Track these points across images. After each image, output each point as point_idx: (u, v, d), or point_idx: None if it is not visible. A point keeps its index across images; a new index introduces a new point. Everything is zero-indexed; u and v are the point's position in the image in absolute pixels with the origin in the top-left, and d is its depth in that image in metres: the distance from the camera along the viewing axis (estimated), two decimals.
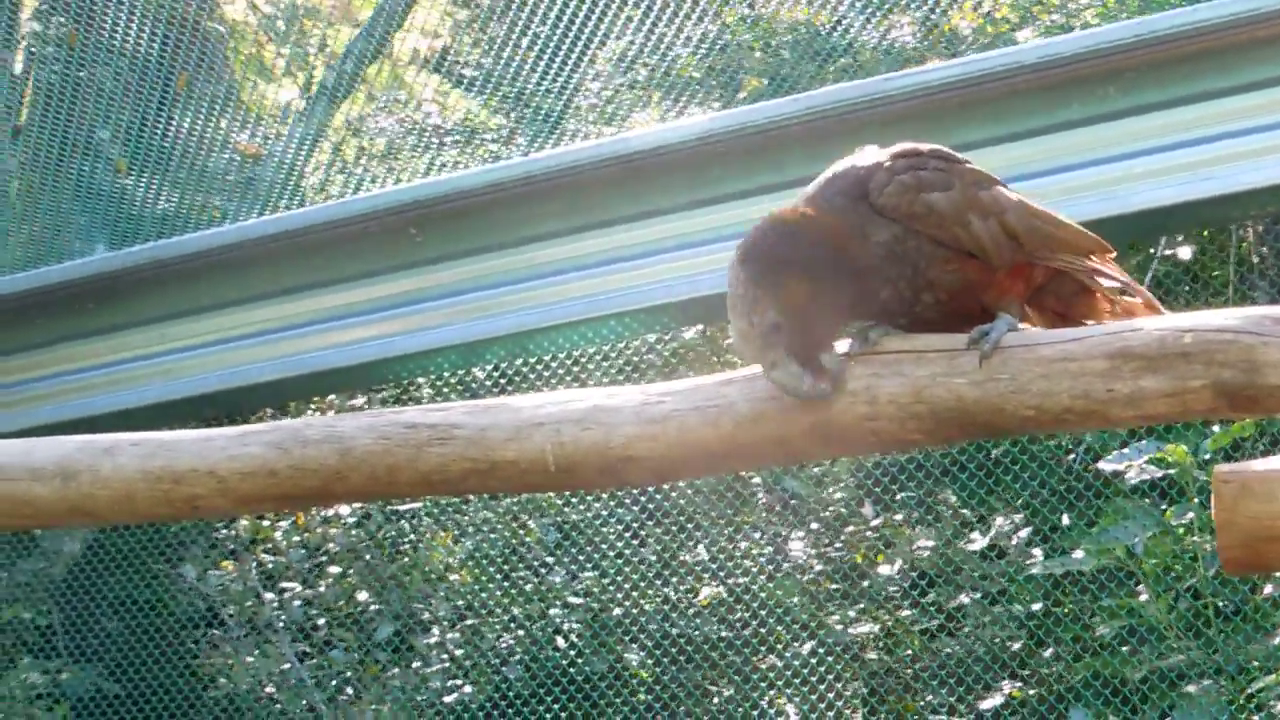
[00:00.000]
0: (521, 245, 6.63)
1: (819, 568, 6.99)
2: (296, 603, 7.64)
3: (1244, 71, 5.73)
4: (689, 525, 7.02)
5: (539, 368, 6.97)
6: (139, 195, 7.60)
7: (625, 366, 6.91)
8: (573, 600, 7.13)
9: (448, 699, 7.15)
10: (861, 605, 6.86)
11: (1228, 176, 5.74)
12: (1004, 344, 3.08)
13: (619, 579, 7.04)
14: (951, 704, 6.57)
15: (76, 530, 7.79)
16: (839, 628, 6.81)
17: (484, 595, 7.28)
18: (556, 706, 6.92)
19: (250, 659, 7.58)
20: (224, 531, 7.86)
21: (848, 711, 6.66)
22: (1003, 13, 7.33)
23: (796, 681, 6.71)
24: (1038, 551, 6.60)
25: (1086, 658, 6.34)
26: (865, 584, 6.88)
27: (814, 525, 7.04)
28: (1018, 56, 5.99)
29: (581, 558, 7.17)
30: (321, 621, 7.59)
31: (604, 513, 7.13)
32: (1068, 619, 6.53)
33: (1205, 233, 6.88)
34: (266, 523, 7.75)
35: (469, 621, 7.29)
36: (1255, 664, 6.05)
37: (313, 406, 7.56)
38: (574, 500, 7.17)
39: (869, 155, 3.26)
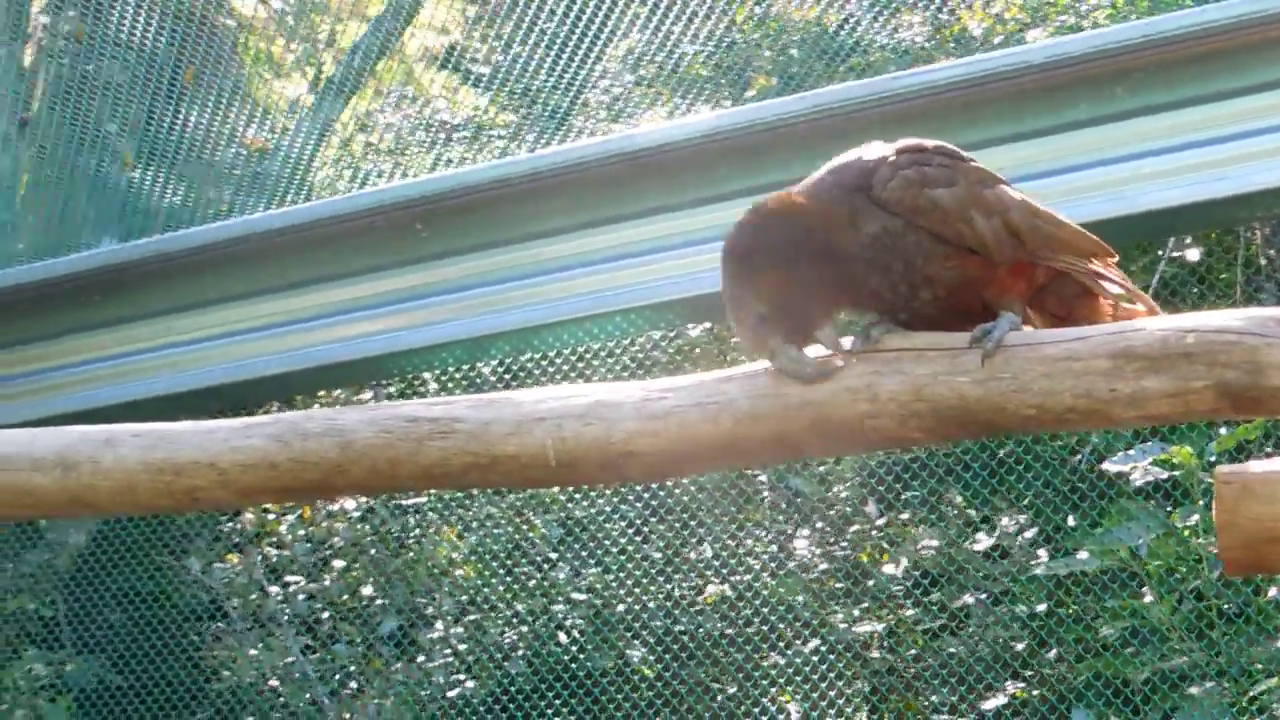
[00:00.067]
0: (527, 241, 6.63)
1: (823, 566, 6.98)
2: (301, 596, 7.64)
3: (1253, 72, 5.72)
4: (693, 523, 7.02)
5: (544, 364, 6.96)
6: (146, 188, 7.60)
7: (630, 363, 6.91)
8: (576, 596, 7.13)
9: (451, 694, 7.15)
10: (865, 604, 6.85)
11: (1236, 177, 5.72)
12: (1006, 343, 3.08)
13: (623, 576, 7.04)
14: (954, 704, 6.57)
15: (82, 522, 7.80)
16: (843, 626, 6.81)
17: (487, 590, 7.28)
18: (559, 702, 6.92)
19: (254, 652, 7.59)
20: (229, 525, 7.87)
21: (850, 710, 6.65)
22: (1012, 13, 7.32)
23: (799, 680, 6.71)
24: (1042, 552, 6.59)
25: (1089, 659, 6.33)
26: (869, 583, 6.87)
27: (819, 524, 7.04)
28: (1025, 56, 5.98)
29: (585, 554, 7.17)
30: (325, 615, 7.60)
31: (608, 509, 7.13)
32: (1071, 620, 6.52)
33: (1213, 234, 6.87)
34: (272, 516, 7.76)
35: (472, 617, 7.29)
36: (1258, 666, 6.04)
37: (319, 400, 7.56)
38: (578, 496, 7.17)
39: (875, 149, 3.27)
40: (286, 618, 7.61)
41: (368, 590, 7.57)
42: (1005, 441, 6.58)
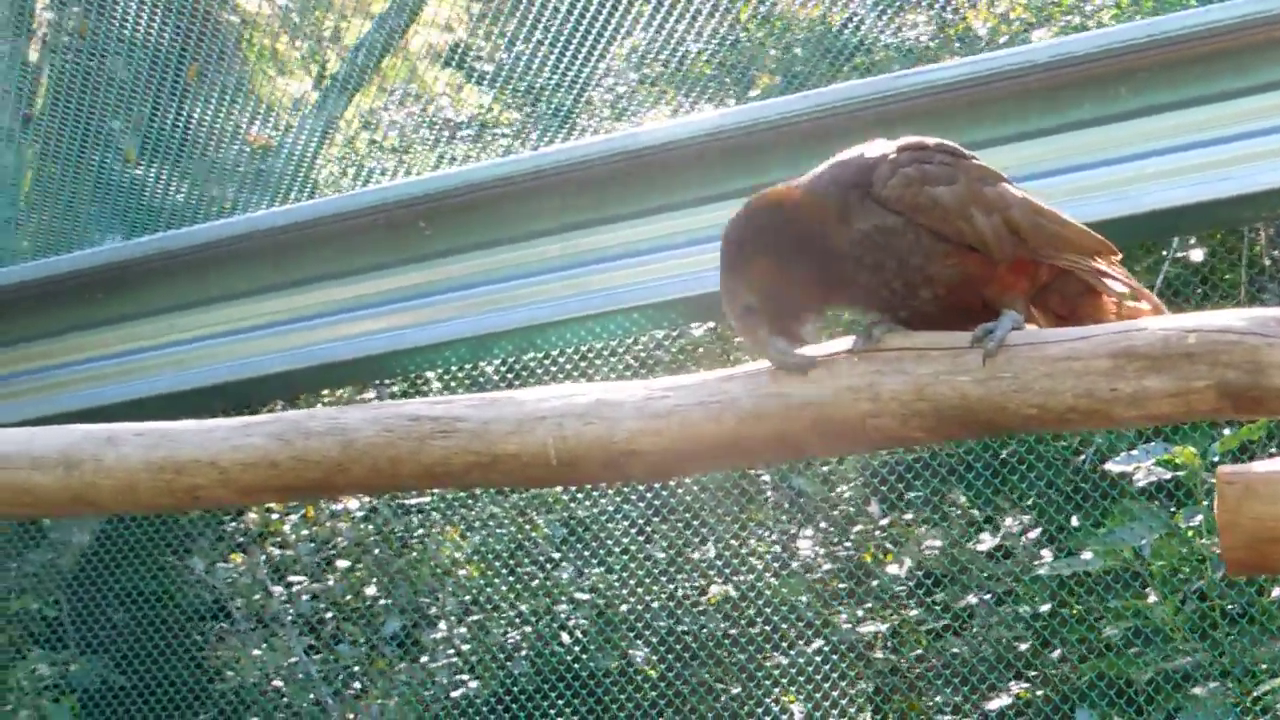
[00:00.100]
0: (531, 239, 6.62)
1: (827, 566, 6.98)
2: (304, 596, 7.64)
3: (1257, 72, 5.70)
4: (696, 523, 7.02)
5: (546, 362, 6.96)
6: (149, 185, 7.60)
7: (633, 362, 6.90)
8: (579, 597, 7.13)
9: (454, 694, 7.15)
10: (869, 605, 6.85)
11: (1241, 177, 5.71)
12: (1008, 342, 3.08)
13: (626, 576, 7.04)
14: (958, 704, 6.57)
15: (85, 521, 7.80)
16: (846, 627, 6.80)
17: (490, 591, 7.28)
18: (561, 703, 6.92)
19: (258, 652, 7.59)
20: (233, 524, 7.86)
21: (854, 711, 6.64)
22: (1017, 12, 7.31)
23: (803, 680, 6.70)
24: (1046, 552, 6.59)
25: (1093, 659, 6.33)
26: (873, 583, 6.87)
27: (822, 524, 7.03)
28: (1029, 55, 5.97)
29: (588, 554, 7.16)
30: (329, 615, 7.60)
31: (611, 509, 7.12)
32: (1075, 620, 6.52)
33: (1217, 235, 6.86)
34: (275, 516, 7.75)
35: (476, 617, 7.28)
36: (1262, 666, 6.04)
37: (323, 399, 7.56)
38: (581, 496, 7.17)
39: (877, 147, 3.27)
40: (290, 618, 7.61)
41: (371, 590, 7.56)
42: (1009, 441, 6.58)
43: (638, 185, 6.46)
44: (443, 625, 7.34)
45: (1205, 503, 5.99)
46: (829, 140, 5.85)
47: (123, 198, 7.58)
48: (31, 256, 7.48)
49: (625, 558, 7.05)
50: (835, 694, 6.62)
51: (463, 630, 7.26)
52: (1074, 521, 6.54)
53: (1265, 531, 2.97)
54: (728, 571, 6.99)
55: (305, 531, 7.71)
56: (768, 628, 6.86)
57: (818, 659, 6.71)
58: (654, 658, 6.96)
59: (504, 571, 7.27)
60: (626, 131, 6.73)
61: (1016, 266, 3.21)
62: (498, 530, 7.35)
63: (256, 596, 7.70)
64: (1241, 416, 3.23)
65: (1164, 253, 6.76)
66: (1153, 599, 6.24)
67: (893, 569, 6.84)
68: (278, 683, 7.54)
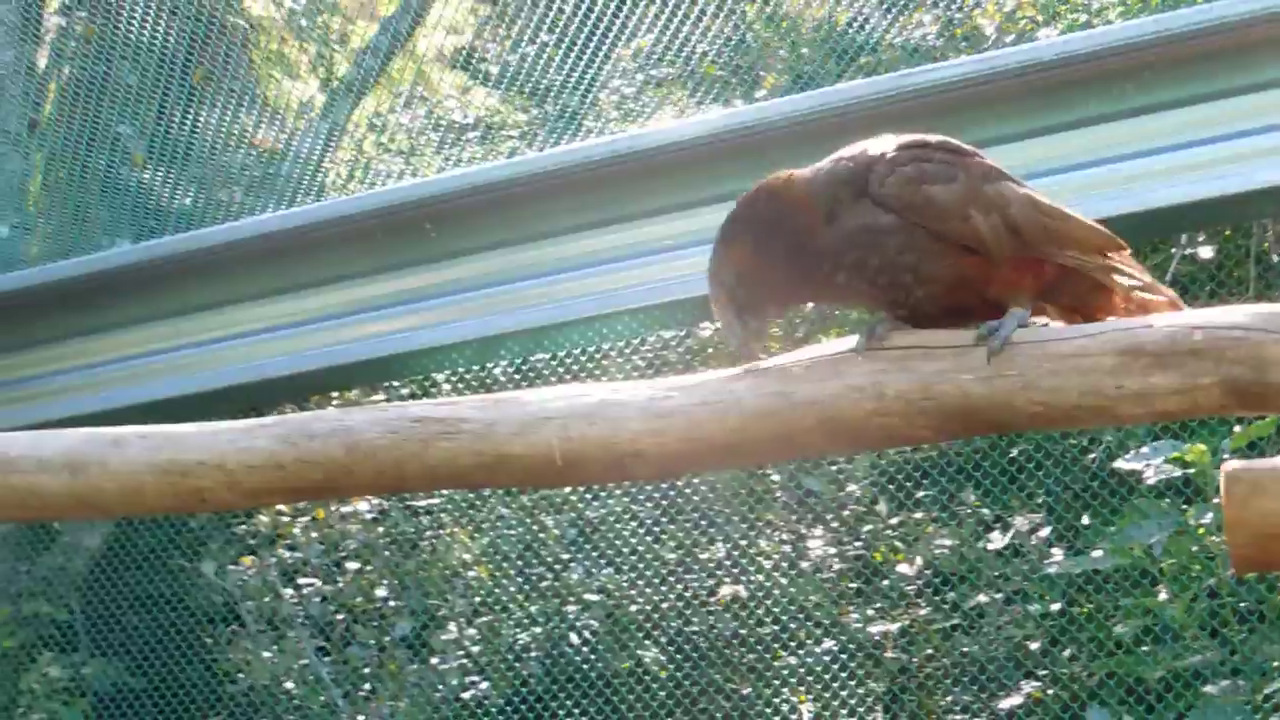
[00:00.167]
0: (538, 241, 6.61)
1: (837, 566, 6.97)
2: (315, 599, 7.65)
3: (1264, 69, 5.68)
4: (705, 523, 7.01)
5: (554, 364, 6.95)
6: (157, 190, 7.61)
7: (641, 363, 6.89)
8: (589, 598, 7.12)
9: (465, 695, 7.16)
10: (879, 604, 6.84)
11: (1248, 174, 5.69)
12: (1013, 340, 3.07)
13: (635, 577, 7.04)
14: (969, 703, 6.56)
15: (96, 525, 7.81)
16: (857, 626, 6.80)
17: (499, 592, 7.28)
18: (571, 704, 6.92)
19: (269, 655, 7.60)
20: (243, 527, 7.87)
21: (864, 711, 6.64)
22: (1024, 10, 7.30)
23: (813, 680, 6.70)
24: (1056, 551, 6.58)
25: (1104, 658, 6.32)
26: (883, 583, 6.86)
27: (832, 523, 7.02)
28: (1035, 53, 5.95)
29: (598, 555, 7.16)
30: (340, 617, 7.60)
31: (620, 510, 7.12)
32: (1085, 619, 6.51)
33: (1226, 232, 6.84)
34: (286, 519, 7.76)
35: (486, 618, 7.29)
36: (1274, 665, 6.02)
37: (331, 402, 7.56)
38: (591, 497, 7.17)
39: (879, 143, 3.26)
40: (301, 620, 7.62)
41: (381, 592, 7.57)
42: (1018, 440, 6.57)
43: (645, 186, 6.45)
44: (453, 627, 7.34)
45: (1216, 500, 5.97)
46: (836, 139, 5.80)
47: (130, 202, 7.59)
48: (39, 261, 7.49)
49: (635, 559, 7.05)
50: (846, 694, 6.62)
51: (473, 632, 7.27)
52: (1085, 520, 6.53)
53: (1272, 528, 2.95)
54: (737, 572, 6.98)
55: (315, 534, 7.71)
56: (778, 628, 6.85)
57: (828, 659, 6.70)
58: (664, 658, 6.96)
59: (513, 573, 7.27)
60: (633, 132, 6.72)
61: (1021, 264, 3.20)
62: (507, 532, 7.35)
63: (267, 599, 7.71)
64: (1246, 413, 3.23)
65: (1172, 250, 6.75)
66: (1164, 597, 6.22)
67: (903, 568, 6.83)
68: (289, 685, 7.55)
